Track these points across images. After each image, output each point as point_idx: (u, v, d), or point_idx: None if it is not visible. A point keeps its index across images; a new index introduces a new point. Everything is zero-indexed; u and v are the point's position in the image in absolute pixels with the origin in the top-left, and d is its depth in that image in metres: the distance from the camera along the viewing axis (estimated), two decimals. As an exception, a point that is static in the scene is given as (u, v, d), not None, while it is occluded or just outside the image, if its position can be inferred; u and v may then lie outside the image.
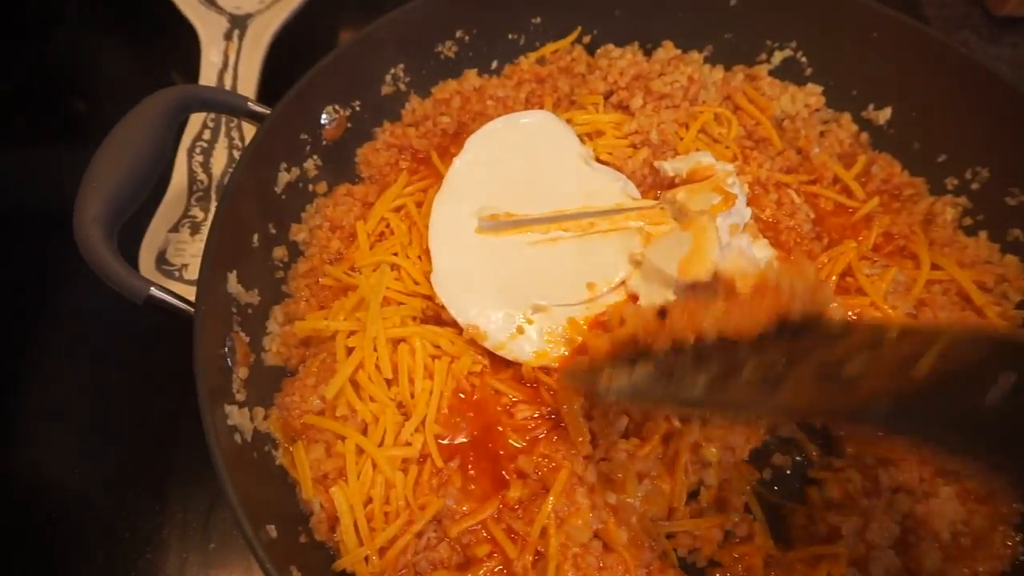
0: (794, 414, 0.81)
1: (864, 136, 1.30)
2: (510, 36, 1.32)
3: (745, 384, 0.71)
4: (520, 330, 1.01)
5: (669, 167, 1.15)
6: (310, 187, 1.17)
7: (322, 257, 1.13)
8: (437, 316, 1.06)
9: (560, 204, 1.08)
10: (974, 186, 1.19)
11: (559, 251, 1.07)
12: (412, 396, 0.98)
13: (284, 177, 1.11)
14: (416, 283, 1.08)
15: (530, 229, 1.07)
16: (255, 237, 1.05)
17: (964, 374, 0.62)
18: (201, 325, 0.88)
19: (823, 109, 1.31)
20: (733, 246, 1.03)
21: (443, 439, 0.97)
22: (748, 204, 1.15)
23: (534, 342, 1.01)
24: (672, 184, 1.15)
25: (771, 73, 1.32)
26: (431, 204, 1.13)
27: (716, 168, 1.12)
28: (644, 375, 0.78)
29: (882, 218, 1.20)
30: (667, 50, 1.32)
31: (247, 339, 0.98)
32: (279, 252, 1.10)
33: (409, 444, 0.95)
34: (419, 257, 1.11)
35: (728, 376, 0.72)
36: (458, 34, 1.27)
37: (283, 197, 1.11)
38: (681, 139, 1.23)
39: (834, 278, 1.13)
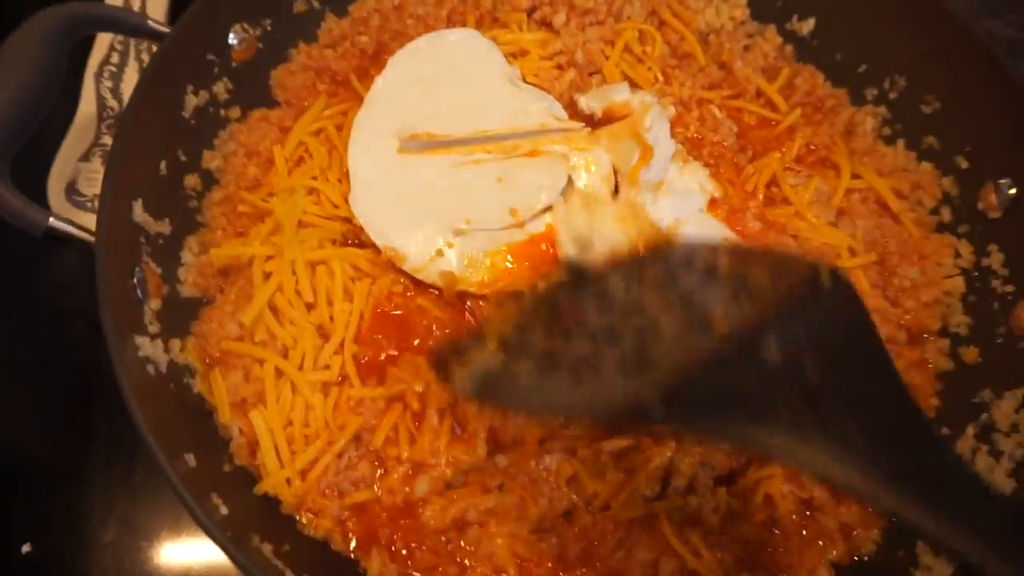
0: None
1: (788, 48, 1.29)
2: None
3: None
4: (440, 253, 1.00)
5: (584, 103, 1.13)
6: (222, 112, 1.12)
7: (238, 184, 1.09)
8: (357, 239, 1.04)
9: (483, 125, 1.06)
10: (892, 95, 1.20)
11: (482, 174, 1.05)
12: (331, 319, 0.97)
13: (192, 101, 1.06)
14: (335, 206, 1.06)
15: (452, 150, 1.05)
16: (162, 164, 1.01)
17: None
18: (104, 255, 0.85)
19: (748, 22, 1.30)
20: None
21: (364, 358, 0.96)
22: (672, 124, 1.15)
23: (454, 266, 1.00)
24: (591, 120, 1.13)
25: (696, -15, 1.30)
26: (352, 126, 1.10)
27: (634, 105, 1.10)
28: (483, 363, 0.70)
29: (804, 129, 1.21)
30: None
31: (159, 270, 0.96)
32: (191, 180, 1.06)
33: (328, 367, 0.94)
34: (339, 180, 1.09)
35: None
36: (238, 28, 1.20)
37: (192, 122, 1.07)
38: (607, 58, 1.21)
39: (761, 188, 1.13)
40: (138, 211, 0.94)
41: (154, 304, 0.92)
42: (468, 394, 0.71)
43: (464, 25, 1.25)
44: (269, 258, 1.00)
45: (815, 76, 1.26)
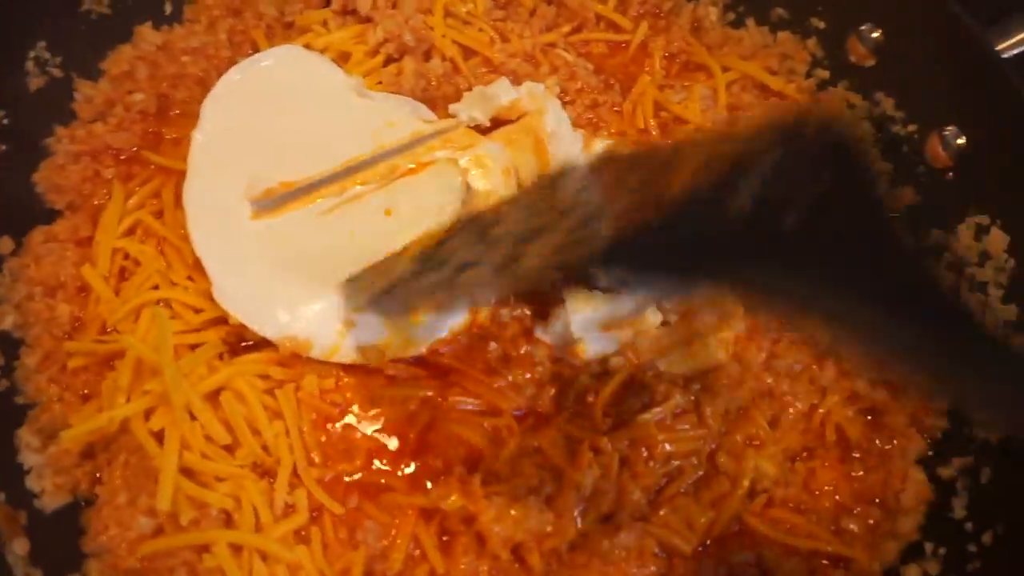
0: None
1: (608, -39, 1.19)
2: (174, -35, 1.01)
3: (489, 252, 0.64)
4: (348, 323, 0.80)
5: (464, 113, 0.94)
6: (-14, 251, 0.82)
7: (53, 335, 0.82)
8: (247, 340, 0.81)
9: (346, 154, 0.85)
10: (724, -22, 1.15)
11: (363, 211, 0.84)
12: (266, 449, 0.75)
13: (-61, 253, 0.76)
14: (199, 310, 0.82)
15: (319, 194, 0.83)
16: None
17: (707, 186, 0.54)
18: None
19: (556, -55, 1.18)
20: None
21: (326, 477, 0.75)
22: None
23: (375, 329, 0.80)
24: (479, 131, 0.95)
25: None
26: (176, 205, 0.86)
27: (524, 104, 0.94)
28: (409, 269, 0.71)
29: (656, 41, 1.13)
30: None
31: (1, 496, 0.67)
32: (-13, 356, 0.77)
33: (293, 508, 0.73)
34: (188, 278, 0.84)
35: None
36: (103, -21, 0.94)
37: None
38: (432, 29, 1.04)
39: (652, 121, 1.04)
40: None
41: (19, 547, 0.64)
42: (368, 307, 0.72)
43: (252, 43, 1.02)
44: (149, 412, 0.74)
45: (643, -18, 1.18)
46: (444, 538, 0.74)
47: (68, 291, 0.84)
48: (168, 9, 1.03)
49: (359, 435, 0.77)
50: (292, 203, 0.83)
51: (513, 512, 0.71)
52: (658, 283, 0.59)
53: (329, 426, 0.78)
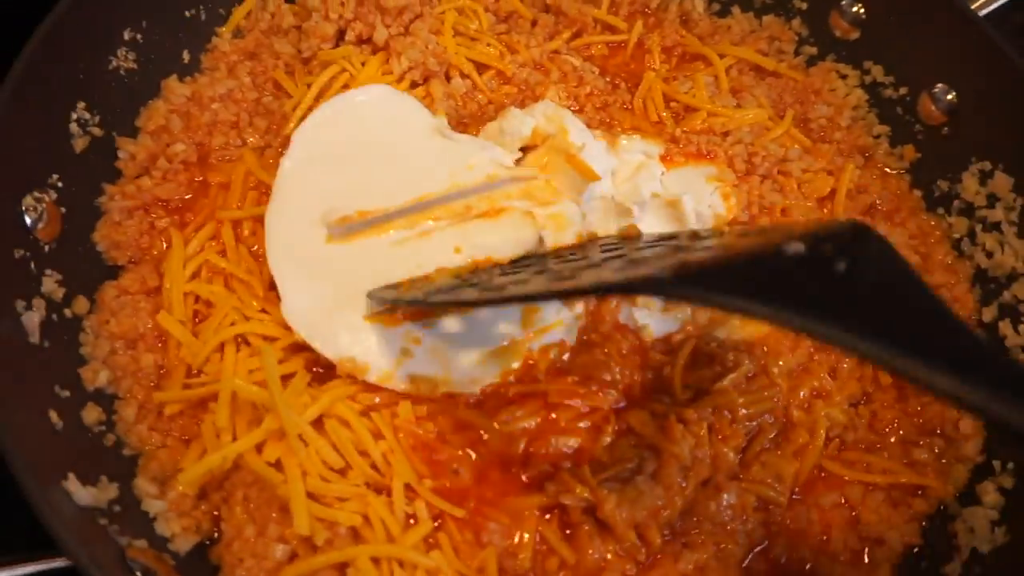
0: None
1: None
2: (188, 14, 1.03)
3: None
4: (406, 353, 0.83)
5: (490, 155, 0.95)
6: (67, 312, 0.83)
7: (143, 385, 0.83)
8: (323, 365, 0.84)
9: (422, 189, 0.87)
10: (704, -29, 1.22)
11: (434, 246, 0.87)
12: (375, 468, 0.78)
13: (32, 320, 0.77)
14: (275, 339, 0.84)
15: (392, 226, 0.86)
16: (52, 415, 0.72)
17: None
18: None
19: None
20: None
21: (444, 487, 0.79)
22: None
23: (431, 362, 0.83)
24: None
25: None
26: (237, 243, 0.91)
27: (544, 127, 0.96)
28: (452, 284, 0.75)
29: (650, 37, 1.19)
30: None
31: (143, 544, 0.69)
32: (91, 415, 0.78)
33: (416, 518, 0.76)
34: (262, 311, 0.87)
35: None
36: (127, 35, 0.96)
37: (46, 345, 0.78)
38: (445, 49, 1.08)
39: (665, 113, 1.10)
40: (75, 490, 0.66)
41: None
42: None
43: (275, 84, 1.05)
44: (260, 446, 0.76)
45: (631, -19, 1.24)
46: (567, 531, 0.78)
47: (148, 341, 0.85)
48: (187, 58, 1.05)
49: (460, 453, 0.80)
50: (366, 232, 0.86)
51: (628, 494, 0.75)
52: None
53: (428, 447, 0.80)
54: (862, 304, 0.55)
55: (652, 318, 0.90)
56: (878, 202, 1.07)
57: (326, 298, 0.84)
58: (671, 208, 0.96)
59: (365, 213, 0.85)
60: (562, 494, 0.76)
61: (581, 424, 0.80)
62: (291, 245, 0.85)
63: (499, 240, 0.86)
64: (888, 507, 0.83)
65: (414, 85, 1.05)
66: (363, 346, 0.82)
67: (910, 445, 0.88)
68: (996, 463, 0.84)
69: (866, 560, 0.80)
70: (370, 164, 0.90)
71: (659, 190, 0.96)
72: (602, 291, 0.78)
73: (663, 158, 1.02)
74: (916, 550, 0.82)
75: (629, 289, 0.73)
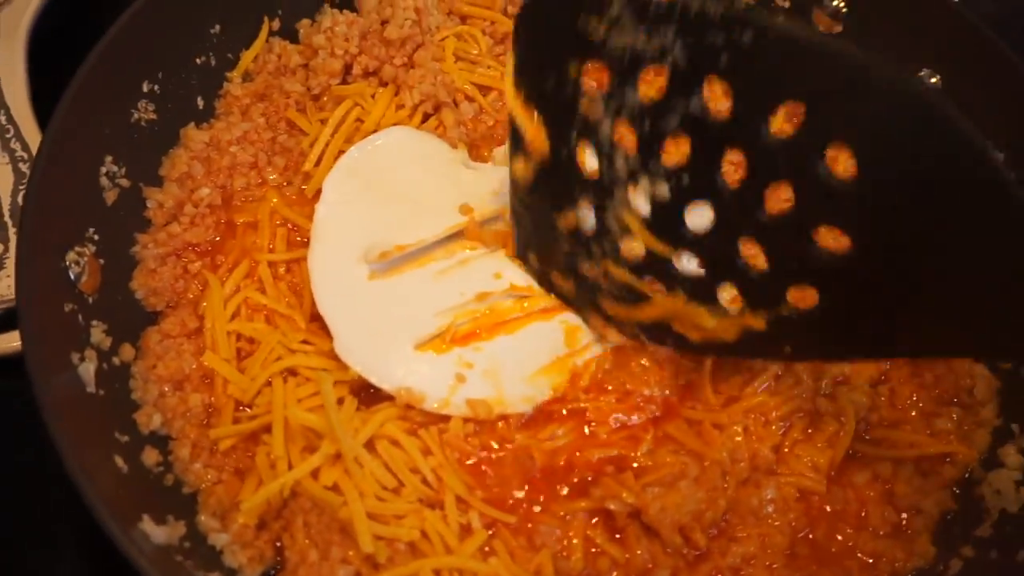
0: None
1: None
2: (198, 61, 1.07)
3: None
4: (460, 378, 0.86)
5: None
6: (116, 360, 0.86)
7: (195, 424, 0.86)
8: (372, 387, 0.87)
9: (456, 219, 0.92)
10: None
11: (475, 273, 0.91)
12: (426, 483, 0.81)
13: (87, 371, 0.80)
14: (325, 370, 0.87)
15: (432, 257, 0.91)
16: (118, 460, 0.75)
17: None
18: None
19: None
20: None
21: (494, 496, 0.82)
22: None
23: (484, 385, 0.86)
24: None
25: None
26: (275, 280, 0.95)
27: None
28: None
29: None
30: (371, -5, 1.17)
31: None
32: (151, 457, 0.81)
33: (470, 527, 0.79)
34: (304, 342, 0.90)
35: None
36: (146, 87, 0.99)
37: (102, 393, 0.81)
38: (452, 78, 1.12)
39: None
40: (151, 530, 0.69)
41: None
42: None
43: (288, 123, 1.09)
44: (315, 473, 0.79)
45: None
46: (616, 536, 0.81)
47: (194, 381, 0.88)
48: (201, 104, 1.08)
49: (507, 470, 0.83)
50: (406, 265, 0.90)
51: (673, 499, 0.79)
52: None
53: (473, 461, 0.83)
54: None
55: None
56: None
57: (376, 333, 0.87)
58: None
59: (403, 247, 0.89)
60: (607, 499, 0.79)
61: (620, 435, 0.84)
62: (336, 286, 0.88)
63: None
64: (919, 477, 0.87)
65: (426, 116, 1.08)
66: (417, 376, 0.85)
67: (931, 416, 0.92)
68: (1015, 426, 0.88)
69: (906, 531, 0.84)
70: (400, 201, 0.94)
71: None
72: None
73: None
74: (949, 516, 0.85)
75: None
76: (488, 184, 0.95)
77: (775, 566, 0.79)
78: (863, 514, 0.85)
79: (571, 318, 0.91)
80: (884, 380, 0.95)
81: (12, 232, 1.05)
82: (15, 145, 1.10)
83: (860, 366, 0.94)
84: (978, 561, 0.80)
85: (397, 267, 0.90)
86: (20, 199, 1.05)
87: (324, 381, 0.79)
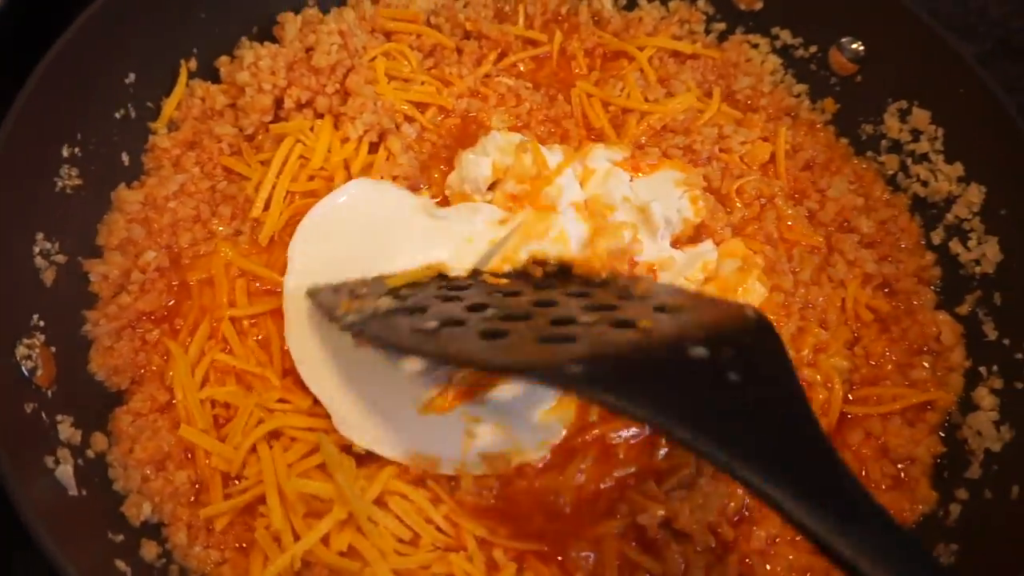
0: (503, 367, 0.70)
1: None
2: (117, 116, 1.00)
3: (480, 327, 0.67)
4: (470, 434, 0.83)
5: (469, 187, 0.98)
6: (90, 453, 0.80)
7: (185, 504, 0.82)
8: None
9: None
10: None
11: None
12: (441, 530, 0.80)
13: (66, 473, 0.74)
14: (309, 429, 0.84)
15: None
16: (119, 565, 0.70)
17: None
18: None
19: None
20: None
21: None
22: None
23: (496, 438, 0.84)
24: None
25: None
26: (241, 339, 0.90)
27: (499, 160, 0.99)
28: (389, 305, 0.74)
29: (570, 43, 1.24)
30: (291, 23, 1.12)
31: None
32: (150, 551, 0.77)
33: (495, 565, 0.79)
34: (281, 400, 0.86)
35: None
36: (66, 152, 0.92)
37: (83, 493, 0.75)
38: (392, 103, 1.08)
39: (604, 122, 1.13)
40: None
41: None
42: (349, 327, 0.73)
43: (224, 169, 1.03)
44: (325, 539, 0.76)
45: (535, -3, 1.27)
46: (649, 548, 0.81)
47: (176, 459, 0.83)
48: (127, 161, 1.01)
49: (531, 510, 0.82)
50: None
51: (696, 499, 0.79)
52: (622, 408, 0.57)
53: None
54: (743, 422, 0.55)
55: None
56: (813, 156, 1.15)
57: (375, 402, 0.84)
58: (641, 214, 1.00)
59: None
60: (637, 514, 0.80)
61: (636, 449, 0.84)
62: (323, 362, 0.85)
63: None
64: (907, 428, 0.91)
65: (372, 146, 1.05)
66: (426, 439, 0.82)
67: (906, 368, 0.96)
68: (982, 369, 0.94)
69: (906, 481, 0.88)
70: (370, 259, 0.89)
71: (629, 194, 1.01)
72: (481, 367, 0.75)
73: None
74: (940, 461, 0.90)
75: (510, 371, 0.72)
76: (460, 233, 0.92)
77: (798, 539, 0.81)
78: (863, 472, 0.89)
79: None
80: (857, 340, 0.99)
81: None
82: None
83: (836, 330, 0.97)
84: (974, 503, 0.84)
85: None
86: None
87: (325, 443, 0.76)
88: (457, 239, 0.91)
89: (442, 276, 0.85)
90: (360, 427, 0.81)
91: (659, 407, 0.54)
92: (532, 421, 0.84)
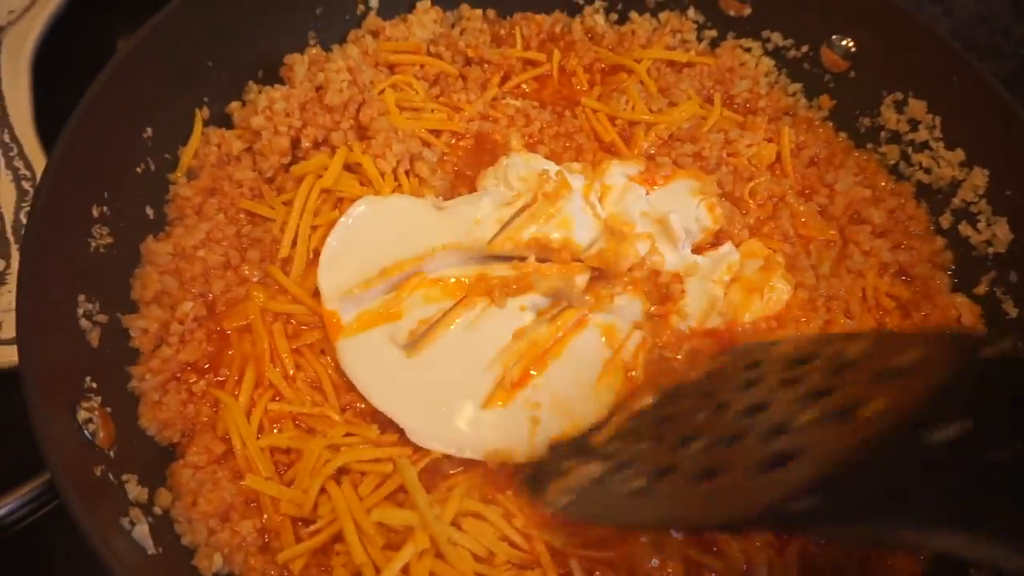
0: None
1: (491, 13, 1.31)
2: (139, 170, 1.00)
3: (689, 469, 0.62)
4: (535, 420, 0.86)
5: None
6: (157, 510, 0.80)
7: (254, 552, 0.82)
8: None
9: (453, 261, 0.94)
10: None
11: (501, 314, 0.92)
12: (515, 545, 0.81)
13: (142, 532, 0.74)
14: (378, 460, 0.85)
15: (454, 317, 0.90)
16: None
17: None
18: None
19: (447, 15, 1.28)
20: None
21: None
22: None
23: (556, 421, 0.86)
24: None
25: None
26: (289, 383, 0.91)
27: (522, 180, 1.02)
28: (595, 473, 0.72)
29: (568, 60, 1.26)
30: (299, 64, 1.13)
31: None
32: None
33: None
34: (348, 435, 0.87)
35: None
36: (96, 212, 0.92)
37: (160, 551, 0.75)
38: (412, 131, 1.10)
39: (614, 136, 1.16)
40: None
41: None
42: (562, 511, 0.72)
43: (247, 214, 1.04)
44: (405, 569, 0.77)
45: (529, 18, 1.30)
46: (713, 548, 0.82)
47: (239, 508, 0.83)
48: (151, 213, 1.01)
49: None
50: (436, 331, 0.89)
51: None
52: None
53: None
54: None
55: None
56: (816, 152, 1.19)
57: (441, 408, 0.86)
58: (660, 225, 1.02)
59: (425, 320, 0.88)
60: None
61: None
62: (382, 380, 0.87)
63: (549, 280, 0.93)
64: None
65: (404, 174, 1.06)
66: (496, 433, 0.85)
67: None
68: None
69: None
70: (389, 254, 0.93)
71: (647, 208, 1.03)
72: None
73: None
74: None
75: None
76: (468, 216, 0.96)
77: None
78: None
79: (601, 317, 0.93)
80: (881, 327, 1.02)
81: (15, 248, 1.07)
82: (18, 163, 1.11)
83: (860, 320, 1.01)
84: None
85: (428, 335, 0.89)
86: (23, 216, 1.08)
87: (406, 467, 0.78)
88: (466, 221, 0.95)
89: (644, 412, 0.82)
90: (433, 435, 0.84)
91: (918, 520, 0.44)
92: (585, 394, 0.87)
